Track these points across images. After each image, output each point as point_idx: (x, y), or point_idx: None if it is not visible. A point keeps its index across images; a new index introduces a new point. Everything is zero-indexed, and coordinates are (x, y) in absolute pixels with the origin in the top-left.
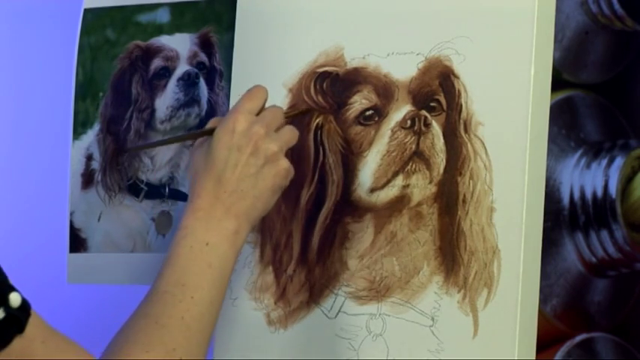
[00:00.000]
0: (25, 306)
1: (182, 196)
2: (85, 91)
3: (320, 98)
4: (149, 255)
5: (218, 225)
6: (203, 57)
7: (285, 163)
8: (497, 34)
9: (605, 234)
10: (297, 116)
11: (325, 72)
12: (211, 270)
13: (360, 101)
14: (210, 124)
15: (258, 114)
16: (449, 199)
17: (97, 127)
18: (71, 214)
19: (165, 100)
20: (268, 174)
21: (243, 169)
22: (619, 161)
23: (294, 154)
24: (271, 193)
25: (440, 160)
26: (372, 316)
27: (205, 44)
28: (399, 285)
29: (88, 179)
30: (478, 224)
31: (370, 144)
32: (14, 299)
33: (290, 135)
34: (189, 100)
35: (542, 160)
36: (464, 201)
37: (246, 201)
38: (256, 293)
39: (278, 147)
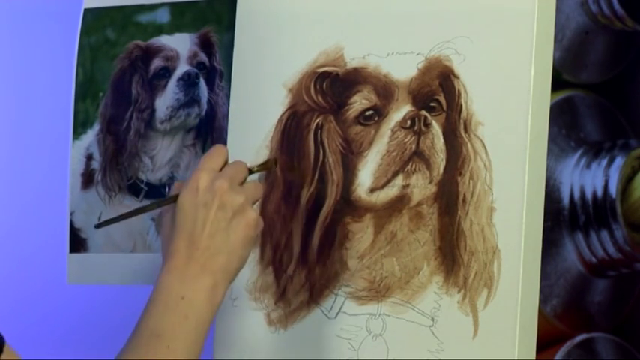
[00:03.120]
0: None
1: None
2: (85, 91)
3: (320, 98)
4: (149, 255)
5: (194, 281)
6: (203, 57)
7: (253, 214)
8: (497, 34)
9: (605, 234)
10: (262, 170)
11: (325, 72)
12: (187, 321)
13: (360, 101)
14: (174, 191)
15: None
16: (449, 199)
17: (97, 127)
18: (71, 214)
19: (166, 100)
20: (238, 226)
21: (213, 224)
22: (619, 161)
23: (295, 154)
24: (243, 246)
25: (440, 160)
26: (372, 316)
27: (205, 44)
28: (399, 285)
29: (88, 179)
30: (478, 224)
31: (370, 144)
32: None
33: (254, 188)
34: (189, 100)
35: (542, 160)
36: (464, 201)
37: (220, 256)
38: (256, 293)
39: (244, 198)
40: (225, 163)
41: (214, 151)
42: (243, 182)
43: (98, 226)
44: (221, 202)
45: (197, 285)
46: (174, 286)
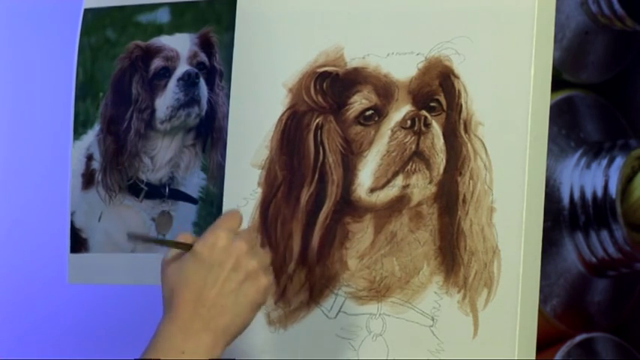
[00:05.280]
0: None
1: (182, 196)
2: (85, 91)
3: (320, 98)
4: (149, 255)
5: (196, 337)
6: (203, 57)
7: (265, 280)
8: (497, 34)
9: (605, 234)
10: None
11: (325, 72)
12: None
13: (360, 101)
14: (181, 239)
15: None
16: (449, 199)
17: (97, 127)
18: (72, 214)
19: (166, 100)
20: (249, 290)
21: (224, 284)
22: (619, 161)
23: (295, 154)
24: (250, 310)
25: (440, 160)
26: (372, 316)
27: (205, 44)
28: (399, 285)
29: (88, 179)
30: (478, 224)
31: (370, 144)
32: None
33: (265, 254)
34: (190, 100)
35: (542, 160)
36: (464, 201)
37: (225, 317)
38: None
39: (259, 264)
40: (239, 225)
41: (233, 213)
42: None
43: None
44: (236, 263)
45: (199, 342)
46: (177, 339)
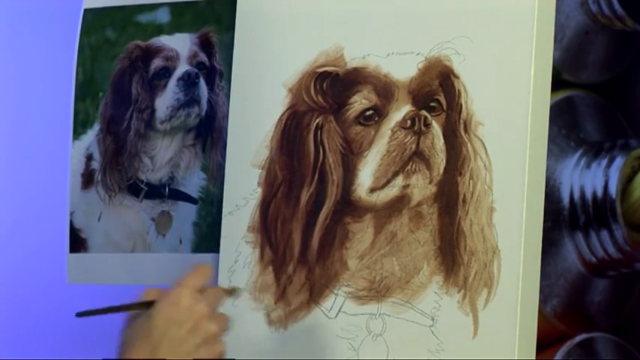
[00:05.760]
0: None
1: (182, 196)
2: (85, 91)
3: (320, 98)
4: (149, 255)
5: None
6: (203, 57)
7: (221, 347)
8: (497, 34)
9: (605, 234)
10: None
11: (325, 72)
12: None
13: (360, 101)
14: (146, 297)
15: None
16: (449, 199)
17: (97, 127)
18: (71, 214)
19: (165, 100)
20: (204, 354)
21: (180, 345)
22: (619, 161)
23: (295, 154)
24: None
25: (440, 160)
26: (372, 316)
27: (205, 44)
28: (399, 285)
29: (88, 179)
30: (478, 224)
31: (370, 144)
32: None
33: (227, 319)
34: (189, 100)
35: (542, 160)
36: (464, 201)
37: None
38: (256, 293)
39: (218, 329)
40: (207, 282)
41: (200, 270)
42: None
43: (79, 315)
44: (195, 326)
45: None
46: None
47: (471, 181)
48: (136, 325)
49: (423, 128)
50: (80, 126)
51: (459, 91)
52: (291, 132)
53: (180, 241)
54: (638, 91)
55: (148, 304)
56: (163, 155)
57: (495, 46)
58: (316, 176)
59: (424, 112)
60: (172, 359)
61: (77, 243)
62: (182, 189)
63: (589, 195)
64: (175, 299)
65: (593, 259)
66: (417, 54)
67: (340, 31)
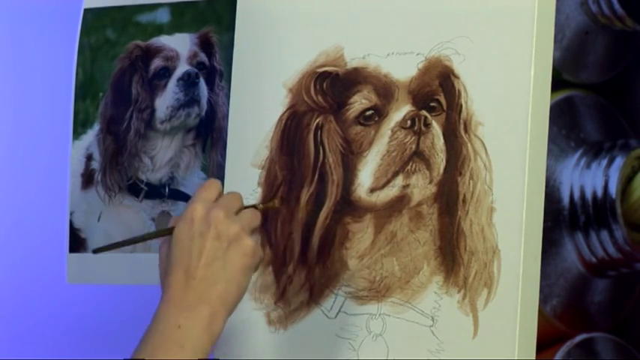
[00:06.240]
0: None
1: (182, 196)
2: (85, 91)
3: (320, 98)
4: (149, 255)
5: (190, 310)
6: (203, 57)
7: (250, 242)
8: (497, 34)
9: (605, 234)
10: (267, 209)
11: (325, 72)
12: (183, 351)
13: (360, 101)
14: (171, 224)
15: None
16: (449, 199)
17: (97, 127)
18: (71, 214)
19: (165, 100)
20: (235, 255)
21: (209, 254)
22: (619, 161)
23: (295, 154)
24: (242, 275)
25: (440, 160)
26: (372, 316)
27: (205, 44)
28: (399, 285)
29: (88, 179)
30: (478, 224)
31: (370, 144)
32: None
33: (251, 216)
34: (189, 100)
35: (542, 160)
36: (464, 201)
37: (217, 286)
38: (256, 293)
39: (240, 227)
40: (220, 195)
41: (208, 183)
42: (238, 211)
43: (96, 251)
44: (217, 232)
45: (194, 314)
46: (171, 316)
47: (470, 181)
48: (165, 252)
49: (423, 128)
50: (80, 126)
51: (459, 91)
52: (291, 132)
53: None
54: (638, 91)
55: (172, 229)
56: (163, 155)
57: (495, 46)
58: (316, 176)
59: (424, 112)
60: (207, 270)
61: (77, 243)
62: (182, 189)
63: (589, 195)
64: (189, 215)
65: (593, 259)
66: (417, 54)
67: (340, 31)
